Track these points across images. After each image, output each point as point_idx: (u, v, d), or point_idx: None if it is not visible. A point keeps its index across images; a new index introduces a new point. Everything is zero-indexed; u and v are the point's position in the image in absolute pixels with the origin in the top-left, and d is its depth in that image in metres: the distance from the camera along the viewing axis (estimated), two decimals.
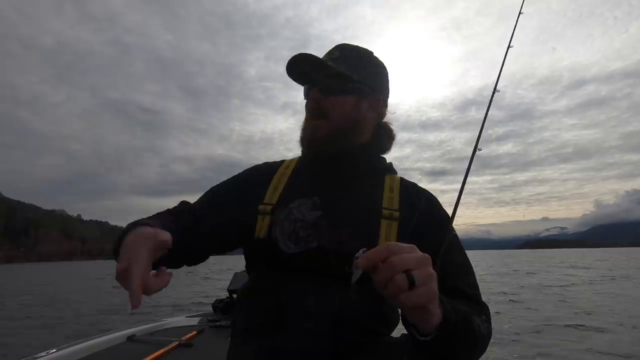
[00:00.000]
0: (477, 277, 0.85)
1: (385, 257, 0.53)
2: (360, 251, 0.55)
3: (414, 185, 0.95)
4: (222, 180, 1.01)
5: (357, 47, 0.94)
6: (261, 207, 0.88)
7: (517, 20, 1.16)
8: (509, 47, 1.09)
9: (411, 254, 0.54)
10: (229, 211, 0.90)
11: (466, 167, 0.88)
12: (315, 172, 0.91)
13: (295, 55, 0.87)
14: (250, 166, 1.03)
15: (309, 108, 0.90)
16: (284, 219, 0.84)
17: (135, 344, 2.07)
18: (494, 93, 1.01)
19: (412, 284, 0.52)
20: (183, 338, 2.06)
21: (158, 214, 0.86)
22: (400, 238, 0.82)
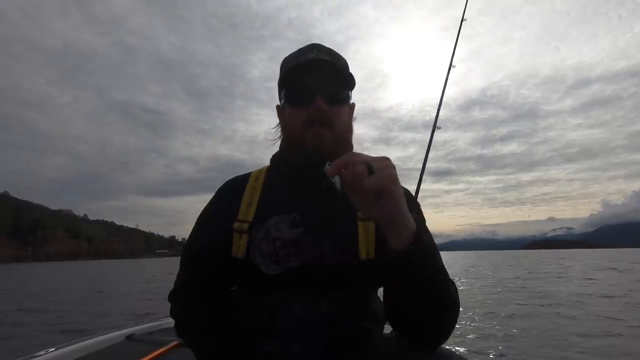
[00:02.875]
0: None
1: (348, 158, 0.60)
2: (327, 164, 0.63)
3: None
4: (199, 218, 0.92)
5: (332, 49, 0.89)
6: (236, 224, 0.84)
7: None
8: (450, 66, 1.08)
9: (369, 154, 0.62)
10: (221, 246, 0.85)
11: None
12: (289, 185, 0.87)
13: (313, 59, 0.82)
14: (222, 184, 0.96)
15: (310, 117, 0.82)
16: (262, 239, 0.81)
17: (135, 343, 2.06)
18: (440, 104, 1.01)
19: (370, 171, 0.59)
20: None
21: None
22: (377, 236, 0.83)
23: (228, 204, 0.87)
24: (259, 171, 0.94)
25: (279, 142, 0.96)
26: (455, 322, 0.73)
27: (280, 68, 0.92)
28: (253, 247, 0.81)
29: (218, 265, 0.84)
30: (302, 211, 0.83)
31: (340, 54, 0.90)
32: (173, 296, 0.87)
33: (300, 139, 0.83)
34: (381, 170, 0.60)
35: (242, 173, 0.97)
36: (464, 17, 1.09)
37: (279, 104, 0.94)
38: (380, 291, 0.90)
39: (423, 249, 0.66)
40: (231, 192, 0.90)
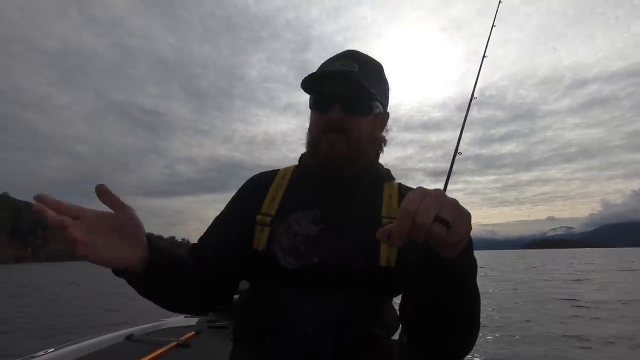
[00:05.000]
0: None
1: (411, 221, 0.52)
2: (385, 237, 0.54)
3: (411, 189, 0.94)
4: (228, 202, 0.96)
5: (370, 57, 0.89)
6: (259, 217, 0.85)
7: (490, 32, 1.13)
8: (483, 57, 1.08)
9: (426, 199, 0.53)
10: (233, 228, 0.88)
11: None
12: (315, 184, 0.88)
13: (326, 70, 0.83)
14: (250, 177, 0.99)
15: (326, 124, 0.83)
16: (283, 233, 0.82)
17: (134, 343, 2.06)
18: (471, 99, 1.01)
19: (448, 226, 0.52)
20: (181, 338, 2.05)
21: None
22: (400, 246, 0.81)
23: (253, 196, 0.90)
24: (287, 169, 0.96)
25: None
26: (477, 337, 0.73)
27: None
28: (274, 240, 0.82)
29: (227, 254, 0.85)
30: (325, 209, 0.85)
31: (375, 60, 0.89)
32: None
33: (317, 144, 0.85)
34: (456, 217, 0.53)
35: (269, 170, 0.98)
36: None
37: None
38: (395, 300, 0.90)
39: (469, 260, 0.65)
40: (257, 185, 0.92)
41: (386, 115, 0.92)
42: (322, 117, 0.84)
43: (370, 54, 0.90)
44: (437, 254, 0.61)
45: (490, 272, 20.83)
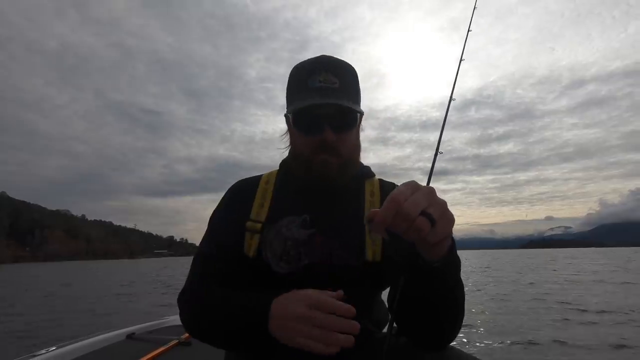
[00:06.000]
0: None
1: (395, 210, 0.53)
2: (367, 222, 0.54)
3: (392, 184, 0.97)
4: (214, 214, 0.94)
5: (344, 63, 0.87)
6: (249, 223, 0.86)
7: (467, 36, 1.16)
8: (460, 60, 1.11)
9: (416, 193, 0.54)
10: (233, 244, 0.86)
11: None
12: (301, 188, 0.89)
13: (321, 87, 0.81)
14: (231, 185, 0.98)
15: (319, 146, 0.83)
16: (273, 239, 0.84)
17: (135, 342, 2.07)
18: (450, 101, 1.02)
19: (433, 222, 0.53)
20: (182, 336, 2.05)
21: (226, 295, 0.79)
22: (384, 239, 0.84)
23: (240, 203, 0.90)
24: (269, 174, 0.96)
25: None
26: (461, 325, 0.77)
27: (288, 84, 0.89)
28: (265, 247, 0.83)
29: (232, 264, 0.85)
30: (313, 213, 0.86)
31: (349, 65, 0.88)
32: (182, 296, 0.86)
33: (307, 162, 0.85)
34: (441, 216, 0.54)
35: (250, 176, 0.98)
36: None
37: (286, 112, 0.92)
38: (384, 293, 0.92)
39: (453, 261, 0.67)
40: (243, 192, 0.92)
41: (362, 115, 0.92)
42: (313, 139, 0.84)
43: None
44: (420, 256, 0.63)
45: (495, 272, 20.62)
